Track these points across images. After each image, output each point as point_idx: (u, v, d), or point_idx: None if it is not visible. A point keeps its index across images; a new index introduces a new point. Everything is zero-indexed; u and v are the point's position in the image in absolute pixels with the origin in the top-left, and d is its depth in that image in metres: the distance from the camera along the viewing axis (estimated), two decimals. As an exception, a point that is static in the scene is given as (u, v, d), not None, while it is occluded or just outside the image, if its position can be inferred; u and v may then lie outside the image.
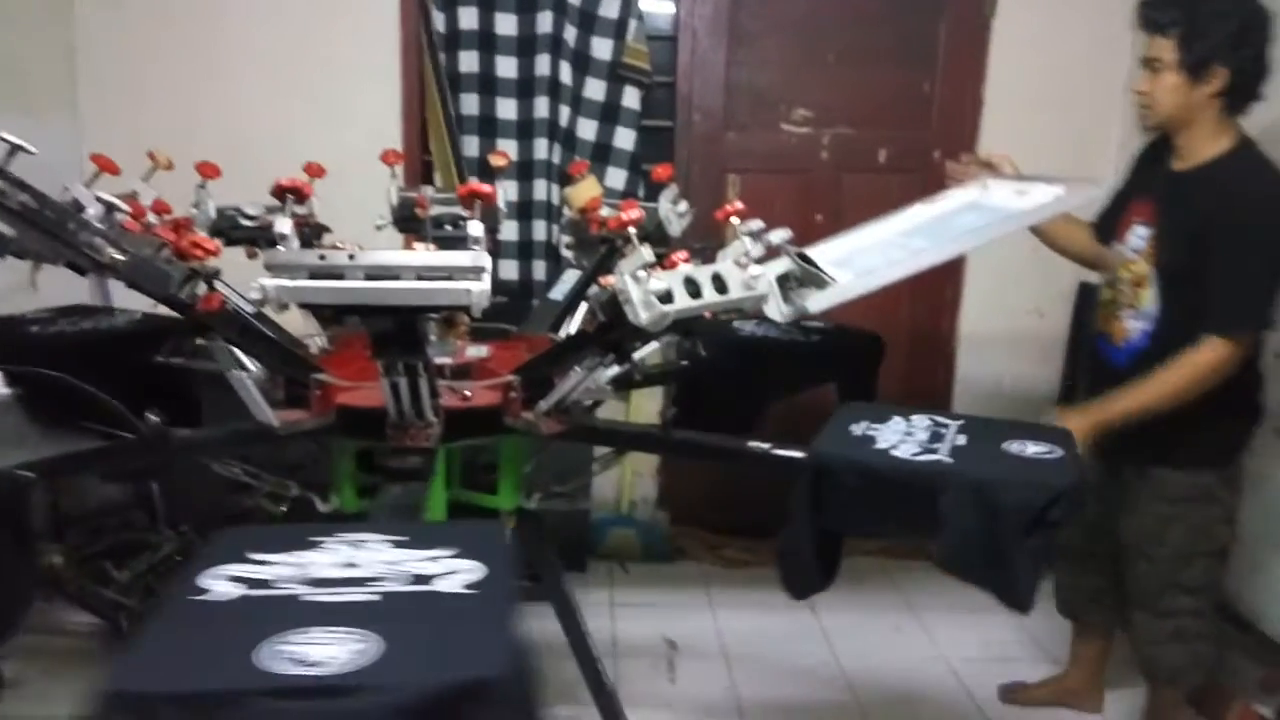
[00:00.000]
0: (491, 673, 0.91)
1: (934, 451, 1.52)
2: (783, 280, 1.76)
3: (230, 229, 2.12)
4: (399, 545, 1.14)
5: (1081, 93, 3.20)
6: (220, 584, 1.05)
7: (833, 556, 1.62)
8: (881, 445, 1.56)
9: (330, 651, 0.91)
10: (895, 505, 1.51)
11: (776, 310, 1.78)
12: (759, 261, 1.81)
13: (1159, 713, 2.39)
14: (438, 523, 1.71)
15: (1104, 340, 2.25)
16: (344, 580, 1.06)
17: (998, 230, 1.91)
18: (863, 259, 1.92)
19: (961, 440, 1.57)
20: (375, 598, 1.02)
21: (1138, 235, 2.17)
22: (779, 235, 1.78)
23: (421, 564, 1.09)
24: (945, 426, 1.63)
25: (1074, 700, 2.57)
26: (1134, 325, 2.16)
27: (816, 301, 1.77)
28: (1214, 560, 2.23)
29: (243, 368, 1.67)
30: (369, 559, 1.10)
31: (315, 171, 2.18)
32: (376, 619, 0.97)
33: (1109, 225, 2.29)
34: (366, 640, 0.93)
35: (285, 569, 1.08)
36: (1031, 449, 1.52)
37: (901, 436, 1.59)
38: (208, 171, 2.06)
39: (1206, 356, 1.99)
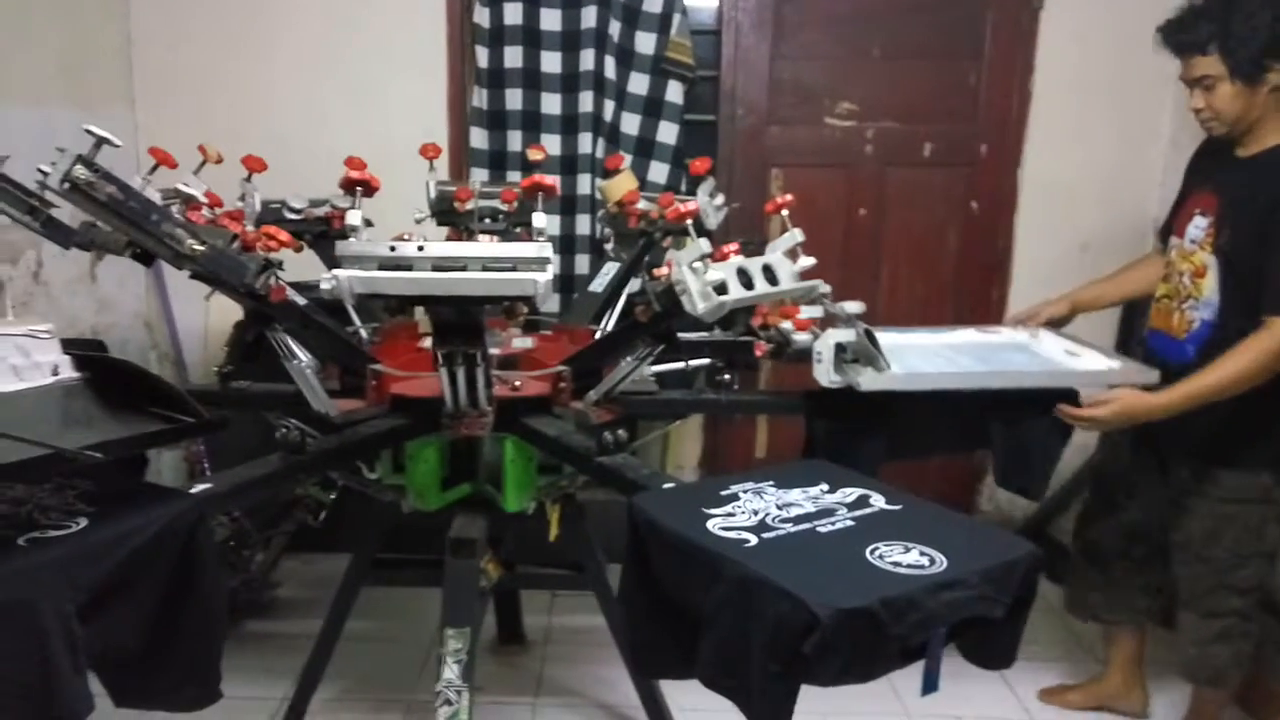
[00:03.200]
0: None
1: (768, 531, 1.26)
2: (839, 349, 1.84)
3: (276, 222, 2.16)
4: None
5: (1132, 84, 3.14)
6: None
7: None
8: (714, 511, 1.31)
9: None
10: (689, 587, 1.25)
11: (825, 376, 1.86)
12: (820, 325, 1.92)
13: (1203, 713, 2.37)
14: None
15: (1161, 336, 2.22)
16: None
17: (1042, 380, 1.97)
18: (910, 357, 1.98)
19: (837, 526, 1.29)
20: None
21: (1196, 226, 2.15)
22: (853, 307, 1.86)
23: None
24: (860, 508, 1.35)
25: (1115, 703, 2.52)
26: (1195, 315, 2.13)
27: (869, 381, 1.82)
28: (1265, 561, 2.21)
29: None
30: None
31: (356, 165, 2.21)
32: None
33: (1169, 225, 2.29)
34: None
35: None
36: (908, 557, 1.20)
37: (765, 507, 1.34)
38: (254, 165, 2.10)
39: (1268, 340, 1.94)
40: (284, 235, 1.51)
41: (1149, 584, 2.40)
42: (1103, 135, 3.20)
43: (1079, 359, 2.00)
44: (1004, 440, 2.02)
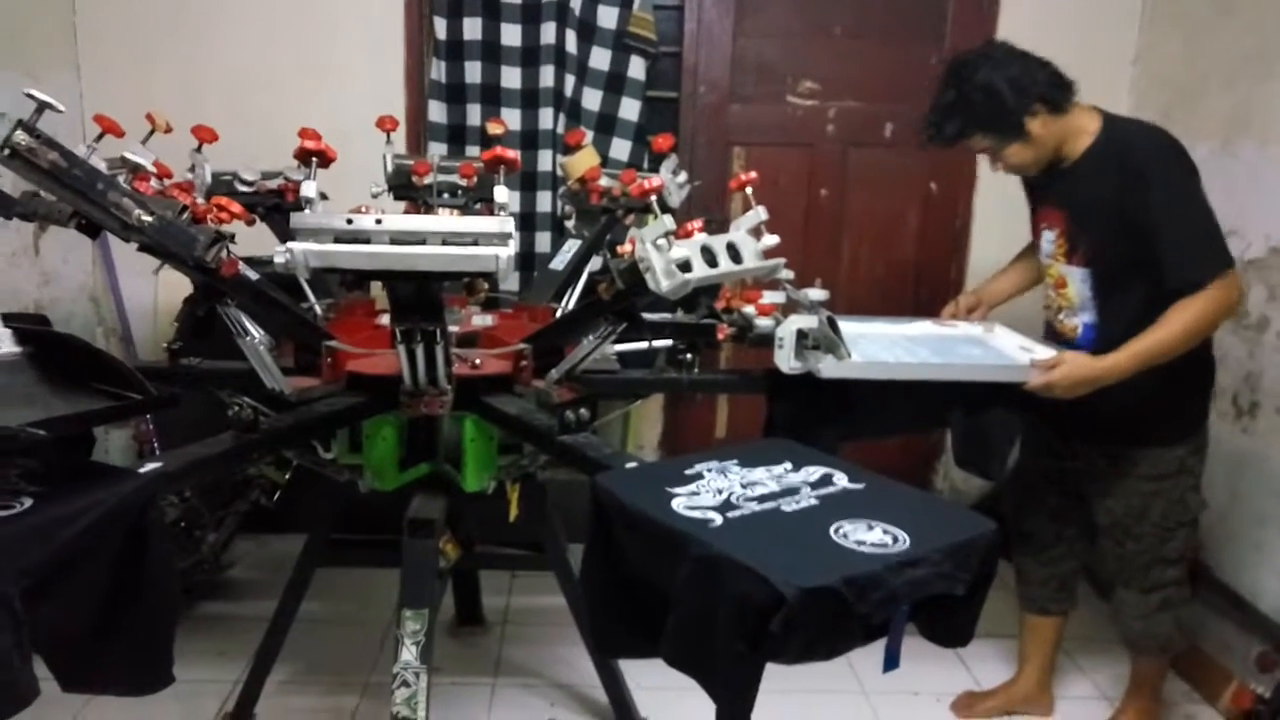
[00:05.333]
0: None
1: (732, 510, 1.25)
2: (801, 335, 1.85)
3: (227, 194, 2.10)
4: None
5: (1091, 65, 3.14)
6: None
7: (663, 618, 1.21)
8: (678, 490, 1.31)
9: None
10: (653, 566, 1.24)
11: (786, 362, 1.88)
12: (783, 311, 1.93)
13: (1148, 682, 2.42)
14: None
15: (1063, 344, 2.24)
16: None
17: (996, 374, 1.98)
18: (870, 346, 2.00)
19: (801, 505, 1.29)
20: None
21: (1047, 240, 2.22)
22: (816, 294, 1.87)
23: None
24: (824, 486, 1.35)
25: (1026, 707, 2.52)
26: (1075, 321, 2.20)
27: (830, 368, 1.84)
28: (1190, 529, 2.28)
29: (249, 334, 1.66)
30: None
31: (311, 135, 2.15)
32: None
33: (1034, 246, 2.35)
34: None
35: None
36: (871, 535, 1.20)
37: (729, 486, 1.33)
38: (205, 135, 2.03)
39: (1202, 302, 1.92)
40: (236, 207, 1.46)
41: (1084, 564, 2.47)
42: (1061, 118, 3.23)
43: (1033, 354, 2.03)
44: (962, 424, 2.04)
